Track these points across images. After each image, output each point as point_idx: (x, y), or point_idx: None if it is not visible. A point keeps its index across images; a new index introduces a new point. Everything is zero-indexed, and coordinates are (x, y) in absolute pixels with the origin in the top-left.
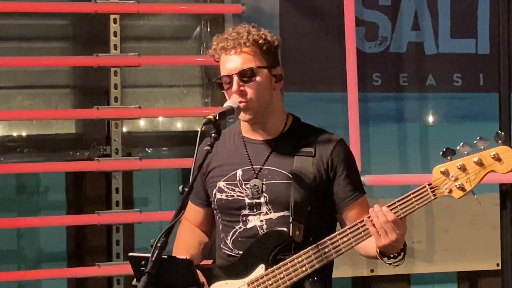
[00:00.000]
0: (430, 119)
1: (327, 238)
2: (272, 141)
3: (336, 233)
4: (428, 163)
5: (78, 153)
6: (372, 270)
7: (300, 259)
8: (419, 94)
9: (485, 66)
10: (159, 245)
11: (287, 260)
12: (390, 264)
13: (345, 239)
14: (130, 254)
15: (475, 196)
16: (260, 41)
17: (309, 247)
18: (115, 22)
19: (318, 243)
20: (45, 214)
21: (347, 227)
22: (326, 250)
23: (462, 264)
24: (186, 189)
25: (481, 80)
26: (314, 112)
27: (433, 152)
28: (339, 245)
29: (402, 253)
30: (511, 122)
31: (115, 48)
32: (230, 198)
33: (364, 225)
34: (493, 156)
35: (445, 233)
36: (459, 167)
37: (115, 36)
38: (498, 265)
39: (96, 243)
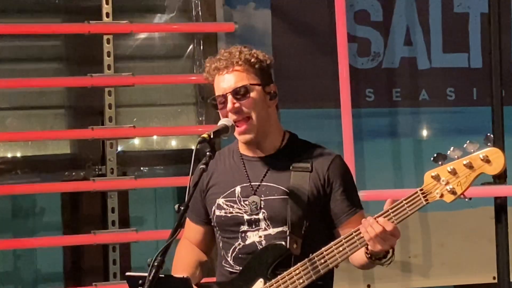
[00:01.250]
0: (424, 134)
1: (323, 249)
2: (270, 157)
3: (332, 243)
4: (422, 177)
5: (73, 174)
6: (368, 286)
7: (297, 271)
8: (412, 109)
9: (478, 80)
10: (156, 264)
11: (285, 273)
12: (382, 264)
13: (341, 248)
14: (127, 273)
15: (467, 199)
16: (252, 60)
17: (306, 259)
18: (108, 42)
19: (314, 254)
20: (41, 235)
21: (342, 237)
22: (323, 260)
23: (459, 278)
24: (182, 208)
25: (474, 94)
26: (308, 128)
27: (428, 167)
28: (334, 255)
29: (390, 250)
30: (504, 135)
31: (109, 68)
32: (229, 215)
33: (359, 233)
34: (482, 158)
35: (442, 247)
36: (449, 171)
37: (108, 56)
38: (494, 278)
39: (93, 263)
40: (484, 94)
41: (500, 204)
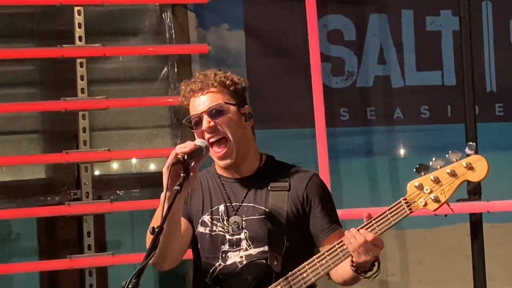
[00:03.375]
0: (399, 152)
1: (305, 263)
2: (247, 179)
3: (314, 257)
4: (399, 195)
5: (49, 198)
6: None
7: (279, 287)
8: (387, 128)
9: (453, 97)
10: (130, 286)
11: None
12: (368, 277)
13: (323, 261)
14: None
15: (450, 207)
16: (227, 82)
17: (288, 274)
18: (81, 66)
19: (296, 269)
20: (18, 260)
21: (324, 250)
22: (305, 275)
23: None
24: (157, 229)
25: (449, 111)
26: (283, 148)
27: (403, 185)
28: (317, 268)
29: (376, 263)
30: (478, 152)
31: (83, 92)
32: (212, 233)
33: (342, 246)
34: (465, 166)
35: (419, 265)
36: (432, 179)
37: (82, 79)
38: None
39: None
40: (458, 111)
41: (475, 220)
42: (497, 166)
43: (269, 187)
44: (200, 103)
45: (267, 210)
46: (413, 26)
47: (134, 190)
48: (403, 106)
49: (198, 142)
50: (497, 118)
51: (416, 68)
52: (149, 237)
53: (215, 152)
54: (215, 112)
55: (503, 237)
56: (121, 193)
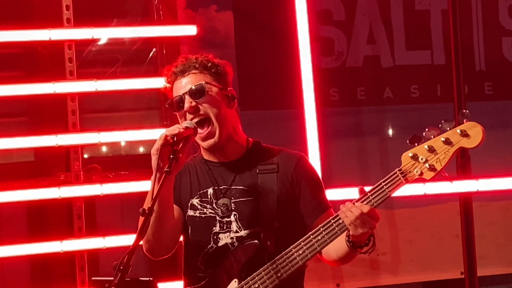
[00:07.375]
0: (389, 131)
1: (300, 240)
2: (234, 162)
3: (310, 233)
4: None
5: (38, 181)
6: (338, 285)
7: (274, 265)
8: (376, 107)
9: (442, 77)
10: (121, 267)
11: (261, 269)
12: (364, 252)
13: (319, 237)
14: (93, 278)
15: (446, 175)
16: (209, 64)
17: (283, 252)
18: (69, 48)
19: (292, 246)
20: (8, 244)
21: (320, 225)
22: (301, 251)
23: (427, 274)
24: (147, 211)
25: (438, 90)
26: (272, 130)
27: (394, 164)
28: (313, 244)
29: (371, 238)
30: None
31: (71, 74)
32: (203, 216)
33: (338, 220)
34: (460, 133)
35: (409, 244)
36: (427, 149)
37: (70, 62)
38: (462, 273)
39: (61, 271)
40: (448, 90)
41: (465, 199)
42: (487, 145)
43: (257, 170)
44: (182, 84)
45: (257, 192)
46: (402, 5)
47: (124, 172)
48: (392, 85)
49: (186, 123)
50: (486, 97)
51: (406, 47)
52: (141, 220)
53: (198, 133)
54: (197, 92)
55: (492, 215)
56: (111, 176)
